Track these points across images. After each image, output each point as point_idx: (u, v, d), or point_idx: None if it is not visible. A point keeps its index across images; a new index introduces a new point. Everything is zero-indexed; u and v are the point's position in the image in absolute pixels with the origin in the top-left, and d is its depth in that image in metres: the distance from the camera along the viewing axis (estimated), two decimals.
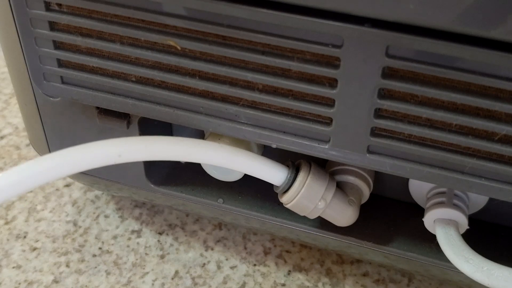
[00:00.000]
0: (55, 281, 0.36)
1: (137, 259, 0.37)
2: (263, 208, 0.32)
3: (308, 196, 0.27)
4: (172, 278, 0.36)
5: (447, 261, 0.26)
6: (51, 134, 0.32)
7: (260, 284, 0.36)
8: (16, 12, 0.26)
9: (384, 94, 0.23)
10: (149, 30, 0.24)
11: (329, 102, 0.24)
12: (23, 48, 0.27)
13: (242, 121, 0.26)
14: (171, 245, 0.38)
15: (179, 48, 0.24)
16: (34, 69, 0.27)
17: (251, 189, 0.32)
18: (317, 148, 0.25)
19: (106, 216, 0.40)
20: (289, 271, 0.36)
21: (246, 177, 0.29)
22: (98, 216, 0.40)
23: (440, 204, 0.28)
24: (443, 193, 0.28)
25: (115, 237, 0.38)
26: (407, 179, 0.30)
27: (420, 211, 0.29)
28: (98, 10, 0.24)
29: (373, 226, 0.31)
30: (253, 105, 0.25)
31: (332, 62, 0.23)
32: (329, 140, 0.25)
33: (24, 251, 0.37)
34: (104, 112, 0.29)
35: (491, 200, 0.29)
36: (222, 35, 0.23)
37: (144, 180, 0.33)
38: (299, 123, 0.25)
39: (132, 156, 0.24)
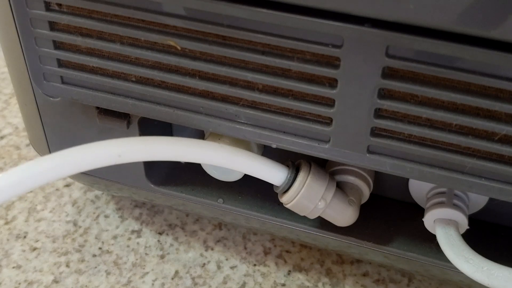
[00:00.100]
0: (55, 281, 0.36)
1: (137, 259, 0.37)
2: (263, 208, 0.32)
3: (308, 196, 0.27)
4: (172, 278, 0.36)
5: (447, 261, 0.26)
6: (51, 134, 0.32)
7: (260, 284, 0.36)
8: (16, 12, 0.26)
9: (384, 94, 0.23)
10: (149, 30, 0.24)
11: (329, 102, 0.24)
12: (23, 48, 0.27)
13: (242, 121, 0.26)
14: (171, 245, 0.38)
15: (179, 48, 0.24)
16: (34, 69, 0.27)
17: (251, 189, 0.32)
18: (317, 148, 0.25)
19: (106, 216, 0.40)
20: (289, 271, 0.36)
21: (246, 177, 0.29)
22: (98, 216, 0.40)
23: (440, 204, 0.28)
24: (443, 193, 0.28)
25: (115, 237, 0.38)
26: (407, 179, 0.30)
27: (420, 211, 0.29)
28: (98, 10, 0.24)
29: (373, 226, 0.31)
30: (253, 105, 0.25)
31: (332, 62, 0.23)
32: (329, 140, 0.25)
33: (24, 251, 0.37)
34: (104, 112, 0.29)
35: (491, 200, 0.29)
36: (222, 35, 0.23)
37: (144, 180, 0.33)
38: (299, 123, 0.25)
39: (132, 156, 0.24)
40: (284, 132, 0.25)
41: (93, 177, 0.34)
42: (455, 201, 0.27)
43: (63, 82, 0.27)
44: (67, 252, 0.37)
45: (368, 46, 0.21)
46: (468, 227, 0.28)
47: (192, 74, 0.25)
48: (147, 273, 0.36)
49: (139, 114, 0.28)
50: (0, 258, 0.37)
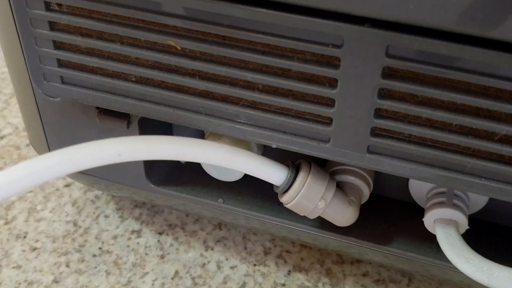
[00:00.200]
0: (55, 281, 0.36)
1: (137, 259, 0.37)
2: (263, 208, 0.32)
3: (308, 196, 0.27)
4: (172, 278, 0.36)
5: (447, 261, 0.26)
6: (51, 134, 0.32)
7: (260, 284, 0.36)
8: (16, 12, 0.26)
9: (384, 94, 0.23)
10: (149, 30, 0.24)
11: (329, 102, 0.24)
12: (23, 48, 0.27)
13: (242, 121, 0.26)
14: (171, 245, 0.38)
15: (179, 48, 0.24)
16: (34, 69, 0.27)
17: (251, 189, 0.32)
18: (317, 148, 0.25)
19: (106, 216, 0.40)
20: (289, 271, 0.36)
21: (246, 177, 0.29)
22: (98, 216, 0.40)
23: (440, 204, 0.28)
24: (443, 193, 0.28)
25: (115, 237, 0.38)
26: (407, 179, 0.30)
27: (420, 211, 0.29)
28: (98, 10, 0.24)
29: (373, 226, 0.31)
30: (253, 105, 0.25)
31: (332, 62, 0.23)
32: (329, 140, 0.25)
33: (24, 251, 0.37)
34: (104, 112, 0.29)
35: (491, 200, 0.29)
36: (222, 35, 0.23)
37: (144, 180, 0.33)
38: (299, 123, 0.25)
39: (132, 155, 0.24)
40: (284, 132, 0.25)
41: (93, 177, 0.34)
42: (455, 201, 0.27)
43: (63, 82, 0.27)
44: (67, 252, 0.37)
45: (368, 46, 0.21)
46: (468, 227, 0.28)
47: (192, 74, 0.25)
48: (147, 273, 0.36)
49: (139, 114, 0.28)
50: (0, 258, 0.37)
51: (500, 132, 0.22)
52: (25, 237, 0.38)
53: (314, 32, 0.22)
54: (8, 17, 0.27)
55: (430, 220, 0.28)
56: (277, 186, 0.28)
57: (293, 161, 0.28)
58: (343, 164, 0.29)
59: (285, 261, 0.37)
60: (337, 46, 0.22)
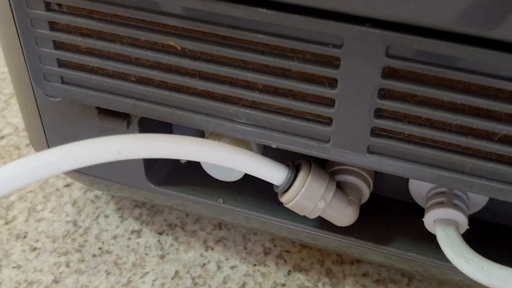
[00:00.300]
0: (55, 281, 0.36)
1: (137, 259, 0.37)
2: (263, 208, 0.32)
3: (308, 195, 0.27)
4: (172, 278, 0.36)
5: (447, 261, 0.26)
6: (51, 134, 0.32)
7: (260, 284, 0.36)
8: (16, 12, 0.26)
9: (384, 94, 0.23)
10: (149, 30, 0.24)
11: (329, 102, 0.24)
12: (23, 48, 0.27)
13: (242, 121, 0.26)
14: (171, 245, 0.38)
15: (179, 48, 0.24)
16: (34, 69, 0.27)
17: (251, 189, 0.32)
18: (317, 148, 0.25)
19: (106, 216, 0.40)
20: (289, 271, 0.36)
21: (246, 177, 0.29)
22: (98, 216, 0.40)
23: (440, 204, 0.28)
24: (443, 193, 0.28)
25: (115, 237, 0.38)
26: (407, 179, 0.30)
27: (420, 211, 0.29)
28: (98, 10, 0.24)
29: (373, 226, 0.31)
30: (253, 105, 0.25)
31: (332, 62, 0.23)
32: (329, 140, 0.25)
33: (24, 251, 0.37)
34: (104, 112, 0.29)
35: (491, 200, 0.29)
36: (222, 35, 0.23)
37: (144, 180, 0.33)
38: (299, 123, 0.25)
39: (132, 153, 0.24)
40: (284, 132, 0.25)
41: (93, 177, 0.34)
42: (455, 201, 0.27)
43: (63, 82, 0.27)
44: (67, 252, 0.37)
45: (368, 46, 0.21)
46: (468, 227, 0.28)
47: (192, 74, 0.25)
48: (147, 273, 0.36)
49: (139, 114, 0.28)
50: (0, 258, 0.37)
51: (500, 132, 0.22)
52: (25, 237, 0.38)
53: (314, 32, 0.22)
54: (8, 17, 0.27)
55: (430, 220, 0.28)
56: (277, 186, 0.28)
57: (293, 161, 0.28)
58: (343, 164, 0.29)
59: (285, 261, 0.37)
60: (337, 46, 0.22)
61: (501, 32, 0.19)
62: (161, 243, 0.38)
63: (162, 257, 0.37)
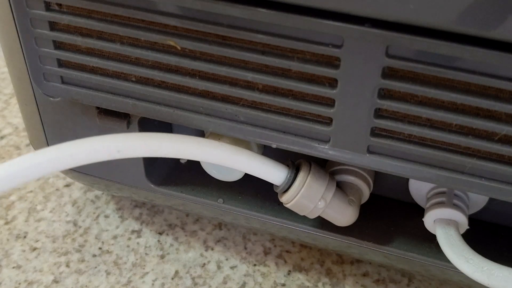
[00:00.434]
0: (55, 281, 0.36)
1: (137, 259, 0.37)
2: (263, 208, 0.32)
3: (308, 195, 0.27)
4: (172, 278, 0.36)
5: (447, 261, 0.26)
6: (51, 134, 0.32)
7: (260, 284, 0.36)
8: (16, 12, 0.26)
9: (384, 94, 0.23)
10: (149, 30, 0.24)
11: (329, 102, 0.24)
12: (23, 48, 0.27)
13: (242, 121, 0.26)
14: (171, 245, 0.38)
15: (179, 48, 0.24)
16: (34, 69, 0.27)
17: (251, 189, 0.32)
18: (317, 148, 0.25)
19: (106, 216, 0.40)
20: (289, 271, 0.36)
21: (246, 177, 0.29)
22: (98, 216, 0.40)
23: (440, 204, 0.28)
24: (443, 193, 0.28)
25: (115, 237, 0.38)
26: (407, 179, 0.30)
27: (420, 211, 0.29)
28: (98, 10, 0.24)
29: (373, 226, 0.31)
30: (253, 105, 0.25)
31: (332, 62, 0.23)
32: (329, 140, 0.25)
33: (24, 251, 0.37)
34: (104, 112, 0.29)
35: (491, 200, 0.29)
36: (222, 35, 0.23)
37: (144, 180, 0.33)
38: (299, 123, 0.25)
39: (132, 152, 0.24)
40: (284, 132, 0.25)
41: (93, 177, 0.34)
42: (455, 201, 0.27)
43: (63, 82, 0.27)
44: (67, 252, 0.37)
45: (368, 46, 0.21)
46: (468, 227, 0.28)
47: (192, 74, 0.25)
48: (147, 273, 0.36)
49: (139, 114, 0.28)
50: (0, 258, 0.37)
51: (500, 132, 0.22)
52: (25, 237, 0.38)
53: (314, 32, 0.22)
54: (8, 17, 0.27)
55: (430, 220, 0.28)
56: (277, 186, 0.28)
57: (293, 161, 0.28)
58: (343, 164, 0.29)
59: (285, 261, 0.37)
60: (337, 46, 0.22)
61: (501, 32, 0.19)
62: (161, 243, 0.38)
63: (162, 257, 0.37)
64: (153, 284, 0.36)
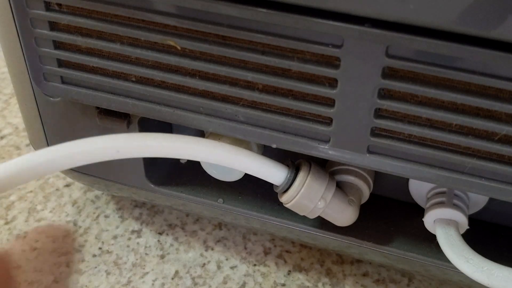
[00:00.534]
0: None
1: (137, 259, 0.37)
2: (263, 208, 0.32)
3: (307, 195, 0.27)
4: (172, 278, 0.36)
5: (447, 261, 0.26)
6: (51, 134, 0.32)
7: (260, 284, 0.36)
8: (16, 12, 0.26)
9: (384, 94, 0.23)
10: (149, 30, 0.24)
11: (329, 102, 0.24)
12: (23, 48, 0.27)
13: (242, 121, 0.26)
14: (171, 245, 0.38)
15: (179, 48, 0.24)
16: (34, 69, 0.27)
17: (251, 189, 0.32)
18: (317, 148, 0.25)
19: (106, 216, 0.40)
20: (289, 271, 0.36)
21: (246, 177, 0.29)
22: (98, 216, 0.40)
23: (440, 204, 0.28)
24: (443, 193, 0.28)
25: (115, 237, 0.38)
26: (407, 179, 0.30)
27: (420, 211, 0.29)
28: (98, 10, 0.24)
29: (373, 226, 0.31)
30: (253, 105, 0.25)
31: (332, 62, 0.23)
32: (329, 140, 0.25)
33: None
34: (104, 112, 0.29)
35: (491, 200, 0.29)
36: (222, 35, 0.23)
37: (144, 180, 0.33)
38: (299, 123, 0.25)
39: (131, 152, 0.24)
40: (284, 132, 0.25)
41: (93, 177, 0.34)
42: (455, 201, 0.27)
43: (63, 82, 0.27)
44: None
45: (368, 46, 0.21)
46: (468, 227, 0.28)
47: (192, 74, 0.25)
48: (147, 273, 0.36)
49: (139, 114, 0.28)
50: None
51: (500, 132, 0.22)
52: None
53: (314, 32, 0.22)
54: (8, 17, 0.27)
55: (430, 220, 0.28)
56: (277, 186, 0.28)
57: (293, 161, 0.28)
58: (343, 164, 0.29)
59: (285, 261, 0.37)
60: (337, 46, 0.22)
61: (501, 32, 0.19)
62: (161, 243, 0.38)
63: (162, 257, 0.37)
64: (153, 284, 0.36)
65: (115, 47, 0.25)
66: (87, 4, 0.24)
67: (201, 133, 0.32)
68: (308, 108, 0.24)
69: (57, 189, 0.41)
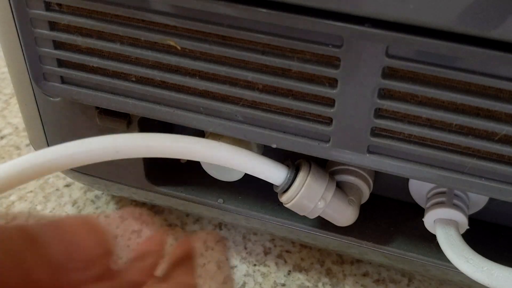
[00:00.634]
0: None
1: None
2: (263, 208, 0.32)
3: (307, 195, 0.27)
4: None
5: (447, 261, 0.26)
6: (51, 134, 0.32)
7: (260, 284, 0.36)
8: (16, 12, 0.26)
9: (384, 94, 0.23)
10: (149, 30, 0.24)
11: (329, 102, 0.24)
12: (23, 48, 0.27)
13: (242, 121, 0.26)
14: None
15: (179, 48, 0.24)
16: (34, 69, 0.27)
17: (251, 189, 0.32)
18: (317, 148, 0.25)
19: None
20: (289, 271, 0.36)
21: (246, 177, 0.29)
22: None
23: (440, 204, 0.28)
24: (443, 193, 0.28)
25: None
26: (407, 179, 0.30)
27: (420, 211, 0.29)
28: (98, 10, 0.24)
29: (373, 226, 0.31)
30: (253, 105, 0.25)
31: (332, 62, 0.23)
32: (329, 140, 0.25)
33: None
34: (104, 112, 0.29)
35: (491, 200, 0.29)
36: (222, 35, 0.23)
37: (144, 180, 0.33)
38: (299, 123, 0.25)
39: (131, 152, 0.24)
40: (284, 132, 0.25)
41: (93, 177, 0.34)
42: (455, 201, 0.27)
43: (63, 82, 0.27)
44: None
45: (368, 46, 0.21)
46: (468, 227, 0.28)
47: (192, 74, 0.25)
48: None
49: (139, 114, 0.28)
50: None
51: (500, 132, 0.22)
52: None
53: (314, 32, 0.22)
54: (8, 17, 0.27)
55: (430, 220, 0.28)
56: (277, 186, 0.28)
57: (293, 161, 0.28)
58: (343, 164, 0.29)
59: (285, 261, 0.37)
60: (337, 46, 0.22)
61: (501, 32, 0.19)
62: None
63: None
64: None
65: (115, 47, 0.25)
66: (87, 4, 0.24)
67: (201, 133, 0.32)
68: (308, 108, 0.24)
69: (57, 189, 0.41)
